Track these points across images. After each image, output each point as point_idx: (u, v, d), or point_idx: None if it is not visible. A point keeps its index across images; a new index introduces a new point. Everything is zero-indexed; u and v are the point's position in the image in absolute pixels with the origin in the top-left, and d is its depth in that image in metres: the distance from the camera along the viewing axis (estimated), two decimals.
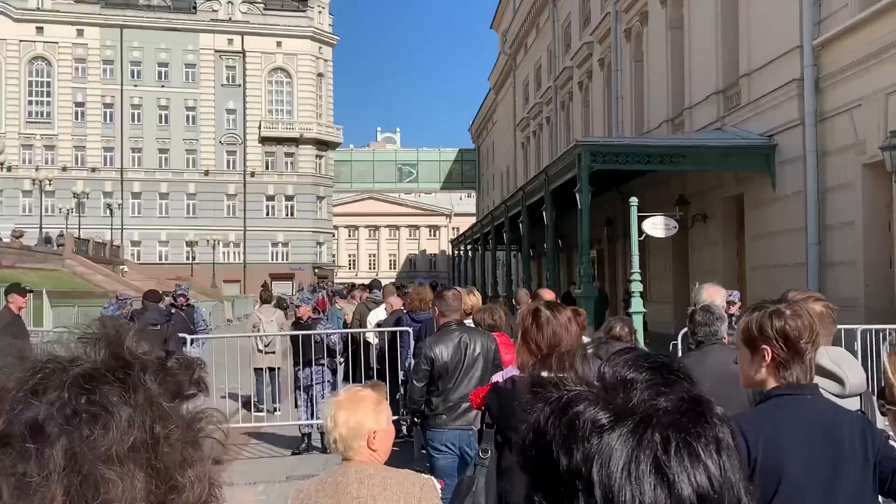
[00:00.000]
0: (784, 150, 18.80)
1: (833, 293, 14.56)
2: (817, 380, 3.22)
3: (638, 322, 15.12)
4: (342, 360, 12.72)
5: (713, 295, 6.80)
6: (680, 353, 12.40)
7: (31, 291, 12.68)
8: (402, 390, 10.96)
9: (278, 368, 14.68)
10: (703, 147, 20.00)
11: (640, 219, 16.58)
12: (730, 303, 8.53)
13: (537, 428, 1.00)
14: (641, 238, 16.49)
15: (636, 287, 15.57)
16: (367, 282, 19.27)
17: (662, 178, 23.72)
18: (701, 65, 23.43)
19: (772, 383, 2.89)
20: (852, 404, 3.46)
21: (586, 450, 0.94)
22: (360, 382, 12.30)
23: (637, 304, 15.40)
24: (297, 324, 12.52)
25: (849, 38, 16.31)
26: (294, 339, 12.23)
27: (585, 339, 6.18)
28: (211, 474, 1.02)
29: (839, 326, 6.69)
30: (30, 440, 0.92)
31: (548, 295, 9.43)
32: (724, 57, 22.02)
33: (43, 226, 55.87)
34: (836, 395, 3.37)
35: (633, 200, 16.10)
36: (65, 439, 0.92)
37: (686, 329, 6.11)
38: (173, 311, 14.20)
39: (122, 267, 60.93)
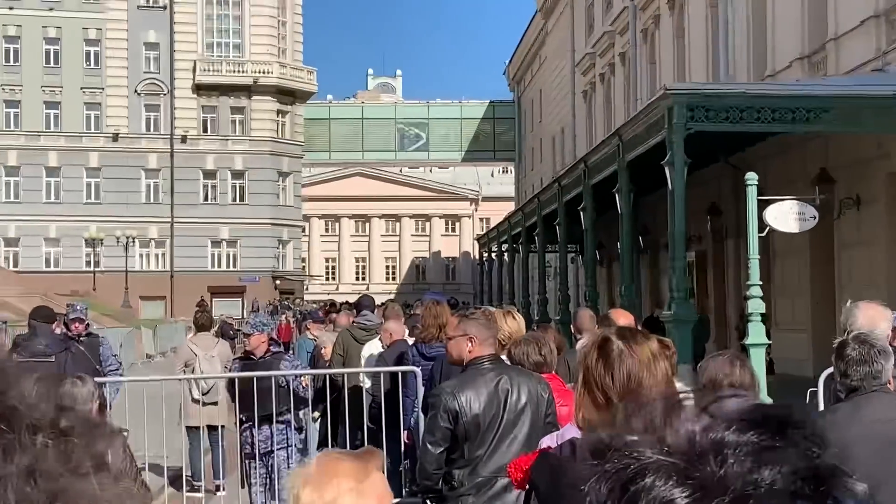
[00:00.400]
0: None
1: None
2: None
3: (758, 360, 15.06)
4: (317, 414, 12.75)
5: (874, 319, 6.67)
6: (822, 405, 12.36)
7: None
8: (407, 459, 10.98)
9: (222, 427, 14.69)
10: (855, 97, 19.89)
11: (762, 205, 16.50)
12: None
13: None
14: (764, 234, 16.43)
15: (755, 307, 15.52)
16: (353, 299, 19.29)
17: (794, 145, 23.63)
18: None
19: None
20: None
21: None
22: (344, 447, 12.38)
23: (757, 333, 15.34)
24: (248, 360, 12.40)
25: None
26: (244, 383, 12.16)
27: (680, 386, 6.16)
28: None
29: None
30: None
31: (623, 319, 9.39)
32: None
33: None
34: None
35: (752, 177, 16.01)
36: None
37: (832, 369, 6.03)
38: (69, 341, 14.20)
39: None
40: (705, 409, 1.07)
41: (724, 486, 0.97)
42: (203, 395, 14.54)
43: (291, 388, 11.92)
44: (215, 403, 14.73)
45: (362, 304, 16.25)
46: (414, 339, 11.69)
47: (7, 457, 0.98)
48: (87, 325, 14.75)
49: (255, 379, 11.96)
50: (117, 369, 14.11)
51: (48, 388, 1.06)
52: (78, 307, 14.53)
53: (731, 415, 1.05)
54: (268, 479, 11.92)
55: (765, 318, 15.84)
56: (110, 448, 1.05)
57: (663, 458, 1.02)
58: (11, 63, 78.23)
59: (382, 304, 21.57)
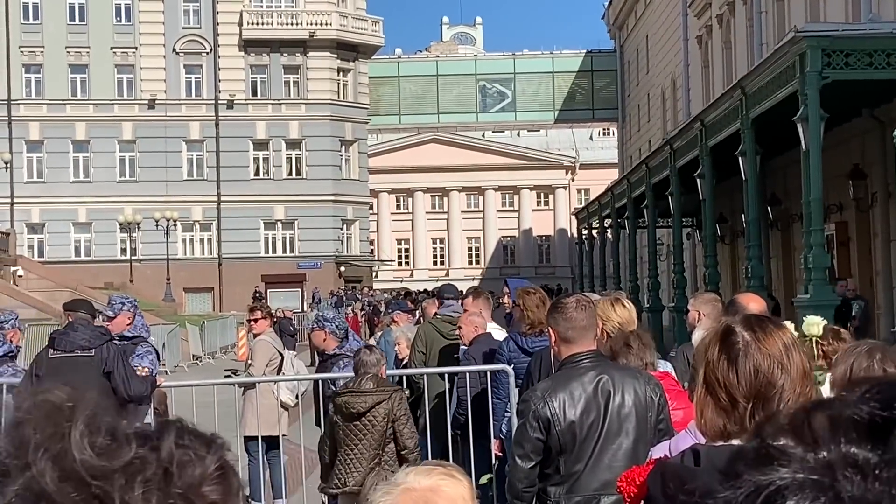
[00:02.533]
0: None
1: None
2: None
3: None
4: None
5: None
6: None
7: None
8: (490, 472, 11.01)
9: (283, 436, 14.82)
10: None
11: None
12: None
13: None
14: None
15: None
16: (430, 287, 19.25)
17: None
18: None
19: None
20: None
21: None
22: (427, 458, 12.47)
23: None
24: (322, 360, 12.78)
25: None
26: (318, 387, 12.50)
27: (826, 389, 6.10)
28: None
29: None
30: None
31: (753, 304, 9.33)
32: None
33: None
34: None
35: None
36: None
37: None
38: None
39: (13, 268, 61.87)
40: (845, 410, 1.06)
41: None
42: (297, 398, 14.93)
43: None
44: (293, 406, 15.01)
45: (444, 292, 16.19)
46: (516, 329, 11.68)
47: None
48: (129, 320, 14.58)
49: (319, 384, 12.16)
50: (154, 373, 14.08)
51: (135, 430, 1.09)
52: (121, 300, 14.52)
53: (871, 417, 1.04)
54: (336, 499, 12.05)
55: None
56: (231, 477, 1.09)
57: (804, 476, 1.02)
58: (31, 21, 78.50)
59: (470, 290, 21.64)
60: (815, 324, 6.85)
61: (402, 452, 10.59)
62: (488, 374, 11.41)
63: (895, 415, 1.03)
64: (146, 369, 12.36)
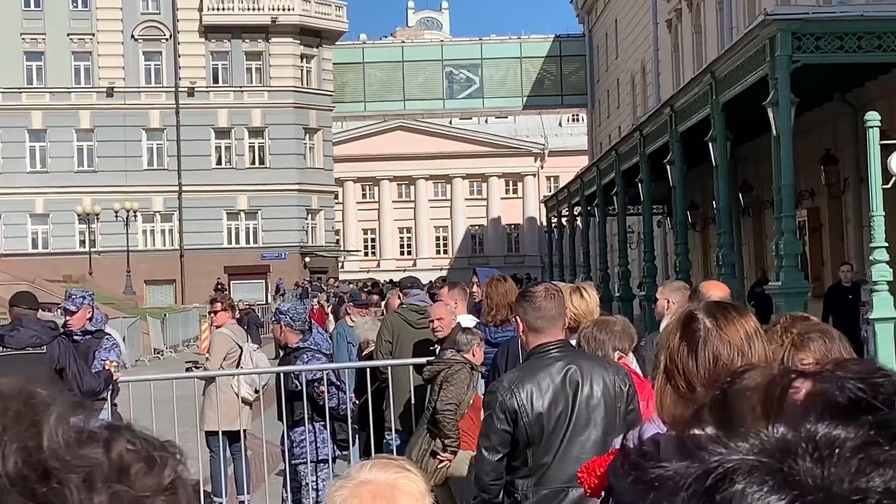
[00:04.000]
0: None
1: None
2: None
3: (885, 337, 15.01)
4: (353, 406, 12.82)
5: None
6: None
7: None
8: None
9: (244, 431, 14.82)
10: None
11: (887, 150, 16.39)
12: None
13: None
14: (889, 185, 16.32)
15: (881, 274, 15.45)
16: (398, 277, 19.28)
17: None
18: None
19: None
20: None
21: None
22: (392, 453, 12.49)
23: (883, 305, 15.28)
24: (285, 353, 12.87)
25: None
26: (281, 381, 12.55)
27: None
28: None
29: None
30: None
31: (716, 291, 9.37)
32: None
33: None
34: None
35: (873, 118, 15.90)
36: None
37: None
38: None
39: None
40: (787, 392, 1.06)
41: (827, 492, 0.97)
42: (258, 392, 14.86)
43: (317, 390, 12.11)
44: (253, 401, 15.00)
45: (407, 283, 16.29)
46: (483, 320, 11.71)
47: None
48: (85, 317, 14.53)
49: (281, 378, 12.18)
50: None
51: (79, 432, 1.05)
52: (79, 294, 14.51)
53: (828, 394, 1.04)
54: (298, 496, 12.11)
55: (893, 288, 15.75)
56: (174, 485, 1.06)
57: (754, 458, 1.01)
58: None
59: (434, 281, 21.56)
60: None
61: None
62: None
63: (869, 389, 1.03)
64: (113, 363, 12.36)
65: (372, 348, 14.84)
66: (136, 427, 1.10)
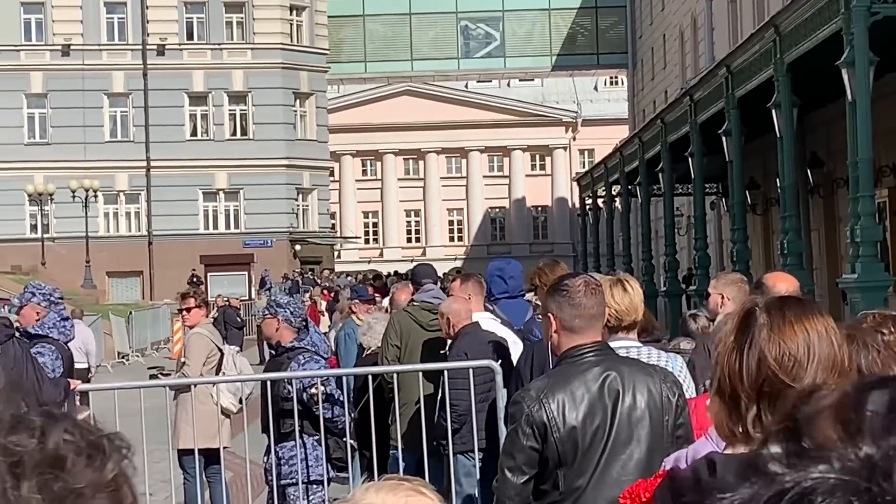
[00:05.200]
0: None
1: None
2: None
3: None
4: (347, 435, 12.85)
5: None
6: None
7: None
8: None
9: (224, 449, 14.85)
10: None
11: None
12: None
13: None
14: None
15: None
16: (404, 269, 19.25)
17: None
18: None
19: None
20: None
21: None
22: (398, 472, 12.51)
23: None
24: (275, 355, 13.00)
25: None
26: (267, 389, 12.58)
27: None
28: None
29: None
30: None
31: (783, 284, 9.38)
32: None
33: None
34: None
35: None
36: None
37: None
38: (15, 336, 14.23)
39: None
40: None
41: None
42: (242, 402, 14.85)
43: (313, 399, 12.13)
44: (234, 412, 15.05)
45: (420, 274, 16.17)
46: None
47: None
48: (40, 313, 14.51)
49: (268, 384, 12.22)
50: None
51: (22, 418, 1.08)
52: (39, 288, 14.58)
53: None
54: None
55: None
56: (117, 486, 1.07)
57: (835, 477, 1.02)
58: None
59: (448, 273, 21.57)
60: None
61: None
62: (470, 372, 11.44)
63: None
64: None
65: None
66: (79, 418, 1.10)
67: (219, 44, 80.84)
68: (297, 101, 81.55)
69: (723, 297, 9.89)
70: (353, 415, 12.84)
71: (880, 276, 18.51)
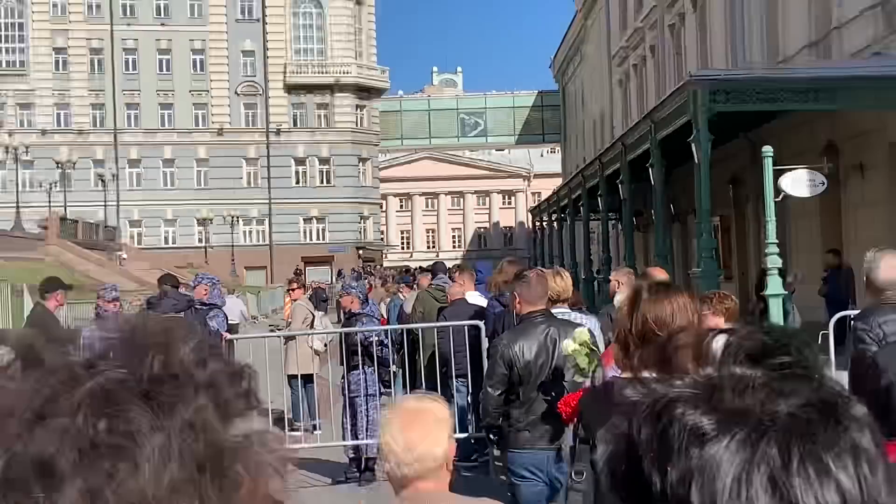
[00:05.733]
0: None
1: None
2: None
3: (777, 308, 14.96)
4: (394, 367, 12.82)
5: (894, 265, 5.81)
6: (833, 345, 12.26)
7: (67, 287, 13.11)
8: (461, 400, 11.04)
9: (316, 374, 14.84)
10: (857, 78, 19.60)
11: (777, 174, 16.31)
12: None
13: (627, 437, 1.02)
14: (779, 199, 16.25)
15: (773, 262, 15.38)
16: (425, 265, 19.29)
17: (805, 121, 23.33)
18: None
19: None
20: None
21: (684, 465, 0.96)
22: (419, 389, 12.48)
23: (775, 285, 15.22)
24: (347, 318, 12.85)
25: None
26: (342, 338, 12.60)
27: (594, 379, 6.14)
28: None
29: None
30: (36, 484, 0.88)
31: (659, 274, 9.35)
32: None
33: (20, 204, 56.66)
34: None
35: (767, 150, 15.82)
36: (80, 481, 0.89)
37: (845, 313, 5.73)
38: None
39: (119, 253, 61.97)
40: (710, 346, 1.08)
41: (745, 415, 0.98)
42: (326, 346, 14.93)
43: (371, 345, 12.10)
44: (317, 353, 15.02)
45: (437, 268, 16.47)
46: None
47: (173, 415, 0.95)
48: (206, 291, 14.48)
49: (343, 336, 12.20)
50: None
51: (201, 351, 1.04)
52: (199, 277, 14.71)
53: (742, 350, 1.05)
54: (355, 421, 12.09)
55: (782, 273, 15.69)
56: (248, 392, 1.06)
57: (690, 391, 1.02)
58: (130, 71, 78.80)
59: (451, 268, 21.53)
60: (581, 333, 6.84)
61: None
62: (467, 330, 11.47)
63: (769, 344, 1.04)
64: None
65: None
66: (225, 356, 1.10)
67: (313, 129, 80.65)
68: (360, 163, 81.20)
69: (618, 283, 9.84)
70: (394, 355, 12.81)
71: (714, 270, 18.45)
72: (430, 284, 14.99)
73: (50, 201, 61.30)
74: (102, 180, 73.50)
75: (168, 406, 0.96)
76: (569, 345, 6.65)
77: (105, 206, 73.55)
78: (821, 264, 24.55)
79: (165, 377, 0.97)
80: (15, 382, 0.95)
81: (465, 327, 11.58)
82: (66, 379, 0.95)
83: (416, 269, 30.23)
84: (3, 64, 77.82)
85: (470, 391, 11.56)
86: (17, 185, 59.42)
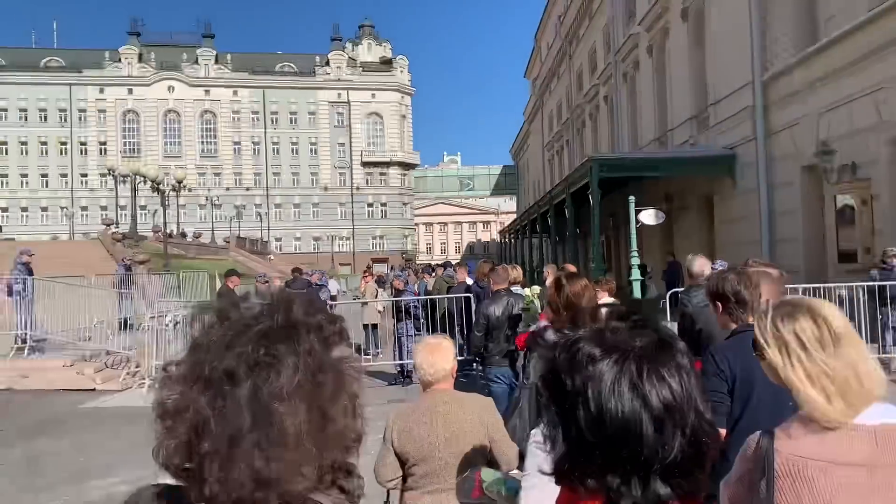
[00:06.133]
0: (742, 158, 18.31)
1: (781, 262, 14.17)
2: None
3: (637, 289, 14.90)
4: (422, 320, 12.81)
5: (703, 265, 5.88)
6: (669, 308, 12.21)
7: (240, 275, 13.18)
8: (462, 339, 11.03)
9: (378, 325, 14.80)
10: (681, 158, 19.57)
11: (637, 211, 16.30)
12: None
13: (552, 359, 1.03)
14: (638, 226, 16.24)
15: (635, 261, 15.35)
16: (441, 262, 19.13)
17: (653, 182, 23.22)
18: (679, 97, 22.90)
19: (732, 325, 2.90)
20: None
21: (583, 374, 0.97)
22: (437, 332, 12.41)
23: (636, 274, 15.18)
24: (397, 293, 12.67)
25: (788, 75, 15.78)
26: (394, 304, 12.46)
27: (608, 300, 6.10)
28: (353, 405, 1.02)
29: (787, 286, 6.42)
30: (226, 383, 0.95)
31: (571, 268, 9.34)
32: (696, 91, 21.49)
33: (215, 229, 56.94)
34: None
35: (631, 198, 15.84)
36: (250, 382, 0.95)
37: (675, 291, 5.65)
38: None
39: (269, 256, 61.88)
40: (598, 312, 1.09)
41: (617, 347, 0.99)
42: (384, 308, 14.72)
43: (410, 307, 12.08)
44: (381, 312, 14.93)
45: (446, 265, 16.40)
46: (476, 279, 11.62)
47: (299, 345, 0.99)
48: (321, 277, 14.55)
49: (393, 303, 12.12)
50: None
51: (310, 308, 1.06)
52: (315, 271, 14.76)
53: (617, 315, 1.05)
54: (400, 349, 12.08)
55: (641, 268, 15.63)
56: (341, 332, 1.09)
57: (589, 334, 1.03)
58: (275, 155, 77.94)
59: (455, 264, 21.49)
60: (533, 288, 6.90)
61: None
62: (463, 299, 11.41)
63: (629, 310, 1.05)
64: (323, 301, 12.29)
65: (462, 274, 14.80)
66: (327, 311, 1.11)
67: (377, 190, 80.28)
68: (403, 206, 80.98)
69: (549, 273, 9.78)
70: (422, 313, 12.74)
71: (601, 266, 18.43)
72: (443, 274, 14.97)
73: (230, 227, 61.67)
74: (260, 216, 73.56)
75: (296, 340, 0.99)
76: (527, 293, 6.69)
77: (261, 230, 73.18)
78: (662, 262, 24.52)
79: (291, 324, 1.00)
80: (214, 329, 0.97)
81: (463, 298, 11.56)
82: (241, 327, 0.99)
83: (435, 265, 30.28)
84: (205, 150, 77.63)
85: (464, 333, 11.50)
86: (212, 218, 59.94)
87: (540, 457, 2.32)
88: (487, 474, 2.52)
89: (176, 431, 0.95)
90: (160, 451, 0.97)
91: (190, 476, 0.95)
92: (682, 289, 9.32)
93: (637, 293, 14.80)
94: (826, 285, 11.34)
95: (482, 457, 3.04)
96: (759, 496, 1.47)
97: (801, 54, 15.10)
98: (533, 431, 2.46)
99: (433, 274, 20.45)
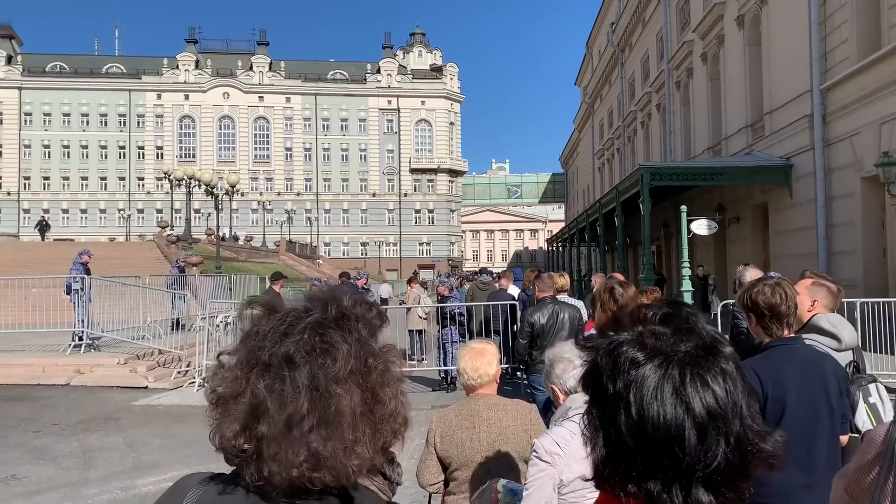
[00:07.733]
0: (799, 168, 17.83)
1: (838, 275, 13.75)
2: (819, 338, 3.09)
3: (688, 298, 14.62)
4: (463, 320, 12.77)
5: (755, 275, 5.79)
6: (720, 322, 11.95)
7: (285, 277, 13.44)
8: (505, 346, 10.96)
9: (424, 331, 14.83)
10: (736, 167, 19.15)
11: (689, 221, 16.02)
12: None
13: (594, 363, 1.03)
14: (690, 236, 15.95)
15: (685, 272, 15.08)
16: (489, 270, 19.06)
17: (705, 191, 22.83)
18: (734, 106, 22.45)
19: (766, 339, 2.84)
20: (846, 357, 3.28)
21: (625, 379, 0.97)
22: (481, 337, 12.36)
23: (686, 285, 14.90)
24: (441, 299, 12.69)
25: (849, 83, 15.31)
26: (439, 310, 12.48)
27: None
28: (399, 389, 1.08)
29: (843, 300, 6.21)
30: (285, 368, 1.01)
31: (619, 277, 9.21)
32: (752, 100, 21.05)
33: (266, 233, 58.04)
34: (834, 350, 3.20)
35: (683, 208, 15.55)
36: (307, 366, 1.01)
37: (727, 302, 5.60)
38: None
39: (318, 260, 62.71)
40: (643, 314, 1.07)
41: (661, 351, 0.97)
42: (427, 314, 14.78)
43: (455, 313, 12.07)
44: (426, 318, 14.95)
45: (482, 272, 16.33)
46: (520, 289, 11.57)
47: (350, 333, 1.05)
48: (366, 281, 14.69)
49: (439, 309, 12.13)
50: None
51: (356, 300, 1.12)
52: (360, 273, 14.84)
53: (663, 318, 1.04)
54: (444, 356, 12.07)
55: (703, 279, 15.34)
56: (381, 316, 1.14)
57: (631, 338, 1.01)
58: (326, 161, 79.07)
59: (498, 273, 21.48)
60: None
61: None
62: (508, 306, 11.35)
63: (674, 312, 1.04)
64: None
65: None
66: (373, 304, 1.16)
67: (425, 194, 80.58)
68: (450, 213, 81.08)
69: (596, 281, 9.68)
70: (466, 319, 12.71)
71: (652, 276, 18.12)
72: (479, 281, 14.91)
73: (281, 231, 62.80)
74: (310, 220, 74.65)
75: (347, 329, 1.06)
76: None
77: (311, 234, 74.33)
78: (719, 274, 24.01)
79: (342, 315, 1.06)
80: (263, 321, 1.06)
81: (506, 305, 11.51)
82: (294, 318, 1.06)
83: (478, 271, 30.48)
84: (258, 156, 79.09)
85: (502, 341, 11.34)
86: (263, 222, 60.98)
87: (540, 466, 2.35)
88: (503, 486, 2.56)
89: (232, 415, 1.00)
90: (216, 436, 1.02)
91: (246, 458, 1.00)
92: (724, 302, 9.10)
93: (687, 300, 14.54)
94: (886, 299, 10.95)
95: (524, 462, 3.03)
96: (885, 486, 1.43)
97: (862, 62, 14.64)
98: (535, 442, 2.48)
99: (471, 280, 20.45)
